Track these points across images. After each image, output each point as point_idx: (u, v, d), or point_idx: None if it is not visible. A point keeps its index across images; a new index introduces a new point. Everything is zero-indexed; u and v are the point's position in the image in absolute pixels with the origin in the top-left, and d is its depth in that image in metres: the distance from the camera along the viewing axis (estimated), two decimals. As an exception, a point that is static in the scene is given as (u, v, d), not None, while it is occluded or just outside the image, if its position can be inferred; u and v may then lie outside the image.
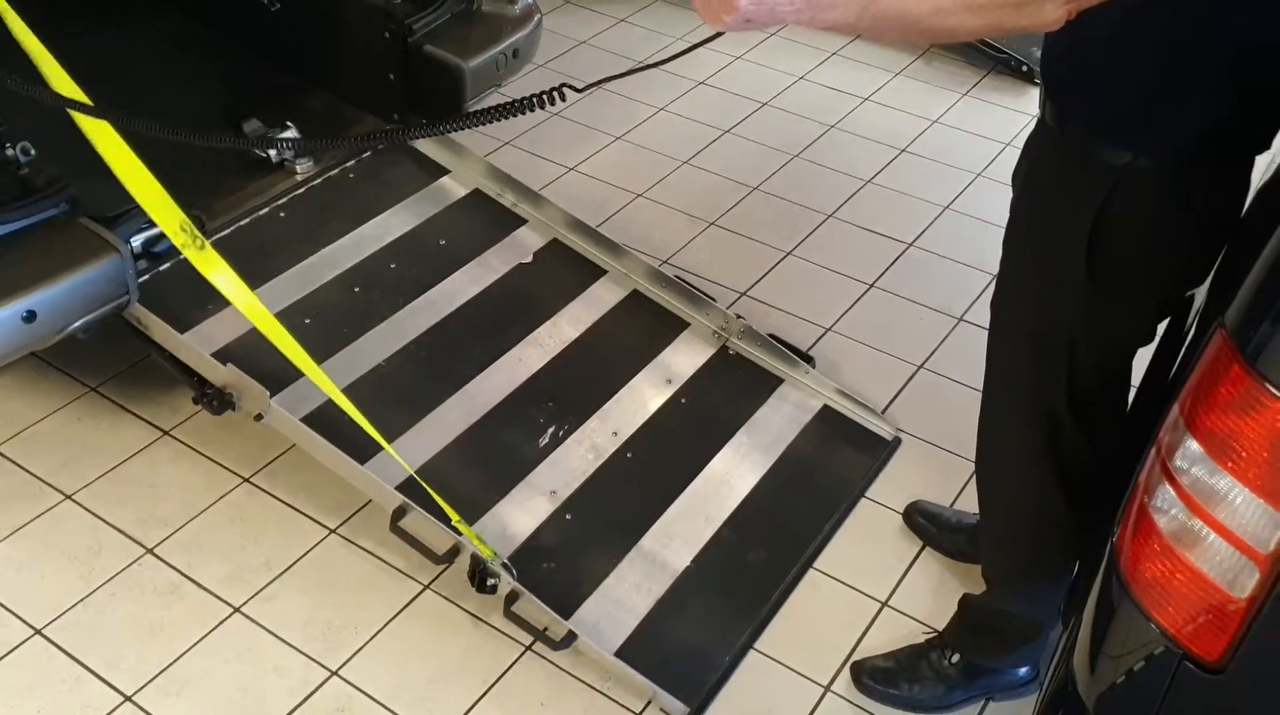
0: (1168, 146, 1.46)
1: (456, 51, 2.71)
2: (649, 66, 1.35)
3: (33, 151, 2.15)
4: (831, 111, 3.63)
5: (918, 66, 3.89)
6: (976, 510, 2.08)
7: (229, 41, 3.02)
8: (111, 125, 1.86)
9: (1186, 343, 1.52)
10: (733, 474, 2.39)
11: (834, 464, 2.48)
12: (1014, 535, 1.94)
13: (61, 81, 1.87)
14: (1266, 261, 1.08)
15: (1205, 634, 1.10)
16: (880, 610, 2.21)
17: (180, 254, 1.99)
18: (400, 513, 2.11)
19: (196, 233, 1.99)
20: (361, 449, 2.11)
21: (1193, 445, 1.06)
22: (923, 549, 2.32)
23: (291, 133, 2.67)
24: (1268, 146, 1.51)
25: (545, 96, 1.29)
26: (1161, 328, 1.66)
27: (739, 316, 2.61)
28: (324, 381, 2.03)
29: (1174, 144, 1.46)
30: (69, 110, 1.77)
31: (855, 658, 2.11)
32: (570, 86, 1.33)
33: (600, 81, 1.36)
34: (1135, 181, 1.48)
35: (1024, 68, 3.75)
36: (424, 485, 2.07)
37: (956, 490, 2.42)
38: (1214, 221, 1.53)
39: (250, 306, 2.01)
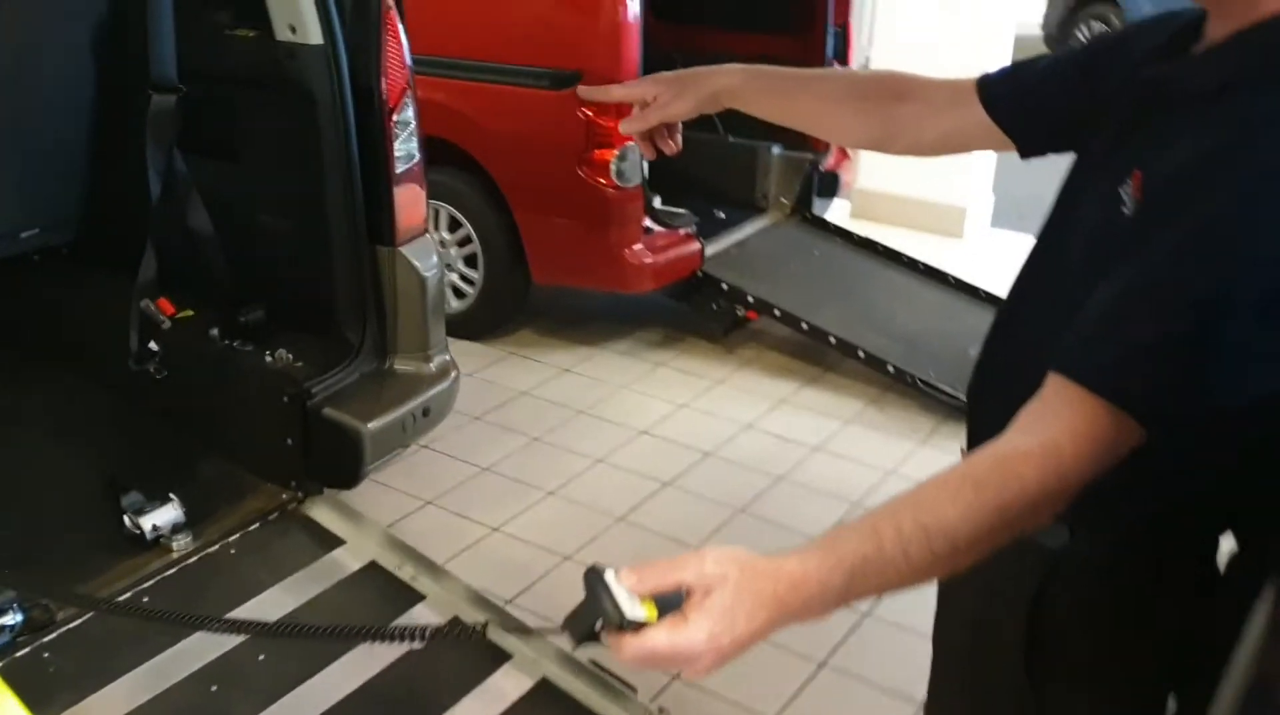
0: (1115, 526, 1.21)
1: (357, 413, 2.53)
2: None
3: None
4: (779, 462, 3.43)
5: (870, 413, 3.73)
6: None
7: (121, 401, 2.86)
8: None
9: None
10: None
11: None
12: None
13: None
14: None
15: None
16: None
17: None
18: None
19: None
20: None
21: None
22: None
23: (173, 508, 2.45)
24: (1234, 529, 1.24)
25: None
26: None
27: (661, 710, 2.26)
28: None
29: (1123, 522, 1.21)
30: None
31: None
32: None
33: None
34: (1076, 567, 1.24)
35: (981, 413, 3.58)
36: None
37: None
38: (1174, 617, 1.25)
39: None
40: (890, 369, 3.72)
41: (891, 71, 1.45)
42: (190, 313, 2.80)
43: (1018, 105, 1.36)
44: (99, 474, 2.60)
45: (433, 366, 2.73)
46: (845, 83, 1.48)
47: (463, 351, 4.02)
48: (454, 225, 4.03)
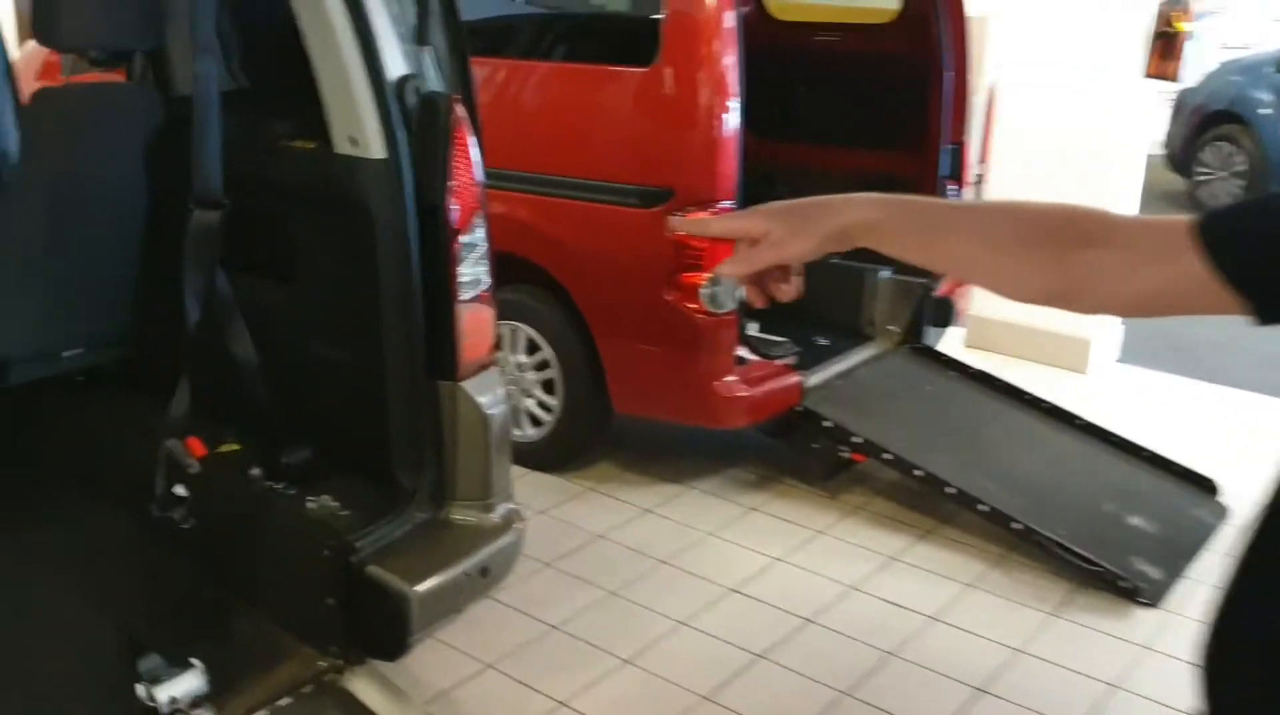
0: None
1: (405, 573, 2.20)
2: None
3: None
4: (890, 633, 2.98)
5: (993, 577, 3.27)
6: None
7: (153, 543, 2.57)
8: None
9: None
10: None
11: None
12: None
13: None
14: None
15: None
16: None
17: None
18: None
19: None
20: None
21: None
22: None
23: (195, 676, 2.13)
24: None
25: None
26: None
27: None
28: None
29: None
30: None
31: None
32: None
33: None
34: None
35: (1122, 581, 3.12)
36: None
37: None
38: None
39: None
40: (1015, 526, 3.27)
41: (1073, 208, 1.09)
42: (235, 447, 2.53)
43: (1256, 256, 0.98)
44: (118, 627, 2.31)
45: (495, 516, 2.40)
46: (1014, 220, 1.11)
47: (536, 485, 3.70)
48: (531, 348, 3.75)
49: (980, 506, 3.32)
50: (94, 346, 2.82)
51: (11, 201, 2.55)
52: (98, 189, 2.62)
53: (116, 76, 2.77)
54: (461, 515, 2.37)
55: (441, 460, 2.35)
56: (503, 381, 2.49)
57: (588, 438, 3.81)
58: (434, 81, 2.28)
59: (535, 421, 3.79)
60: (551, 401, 3.74)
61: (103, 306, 2.79)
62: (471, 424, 2.34)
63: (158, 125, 2.61)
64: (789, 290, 1.19)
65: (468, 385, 2.33)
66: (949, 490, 3.38)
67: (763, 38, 4.22)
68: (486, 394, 2.36)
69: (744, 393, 3.43)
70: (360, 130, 2.21)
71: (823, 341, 4.06)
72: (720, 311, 3.32)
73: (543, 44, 4.11)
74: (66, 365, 2.81)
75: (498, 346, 2.56)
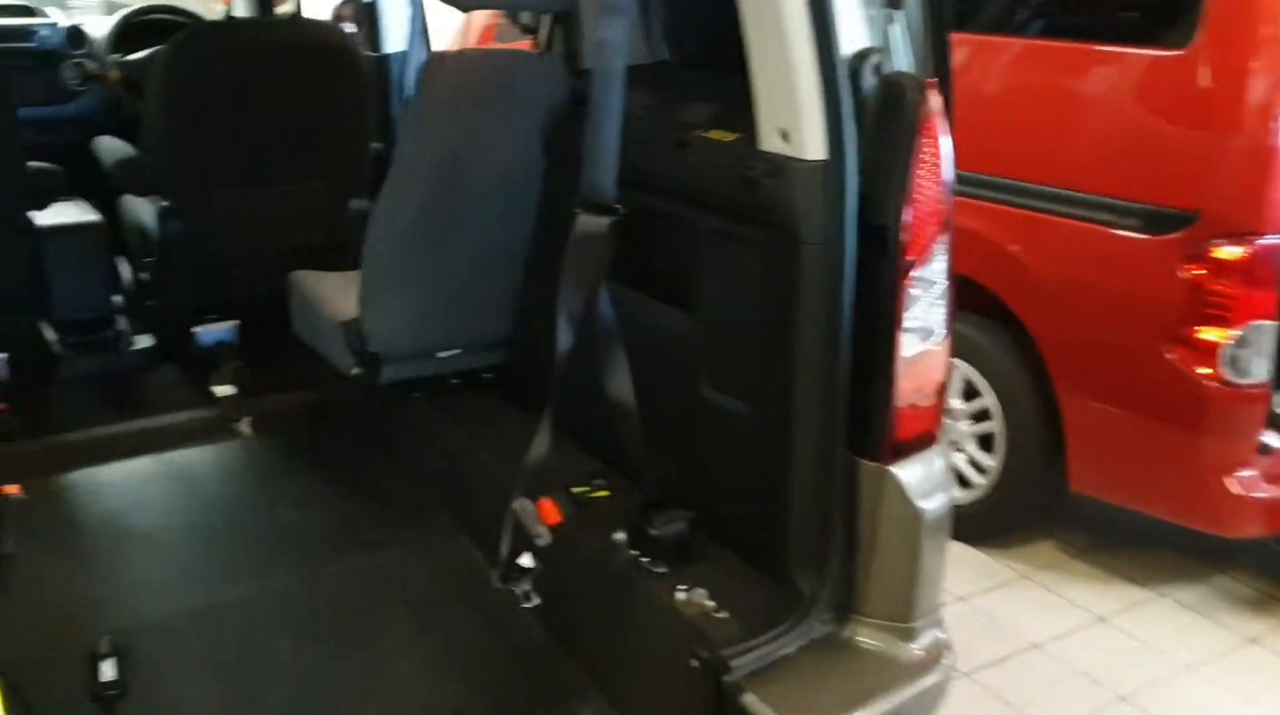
0: None
1: (792, 712, 1.65)
2: None
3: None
4: None
5: None
6: None
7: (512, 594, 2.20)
8: None
9: None
10: None
11: None
12: None
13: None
14: None
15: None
16: None
17: None
18: None
19: None
20: None
21: None
22: None
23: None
24: None
25: None
26: None
27: None
28: None
29: None
30: None
31: None
32: None
33: None
34: None
35: None
36: None
37: None
38: None
39: None
40: None
41: None
42: (605, 493, 2.10)
43: None
44: (449, 700, 1.96)
45: (916, 647, 1.80)
46: None
47: (955, 561, 2.98)
48: (969, 392, 3.06)
49: None
50: (472, 349, 2.52)
51: (396, 179, 2.26)
52: (488, 172, 2.27)
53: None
54: (870, 639, 1.79)
55: (853, 562, 1.78)
56: (947, 462, 1.87)
57: (1028, 512, 3.09)
58: (902, 59, 1.68)
59: (963, 482, 3.11)
60: (987, 461, 3.04)
61: (485, 305, 2.47)
62: (898, 521, 1.75)
63: (559, 103, 2.21)
64: None
65: (899, 470, 1.74)
66: None
67: None
68: (924, 482, 1.76)
69: (1264, 494, 2.55)
70: (795, 121, 1.66)
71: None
72: (1244, 381, 2.47)
73: (1017, 16, 3.35)
74: (442, 367, 2.52)
75: (945, 414, 1.93)
